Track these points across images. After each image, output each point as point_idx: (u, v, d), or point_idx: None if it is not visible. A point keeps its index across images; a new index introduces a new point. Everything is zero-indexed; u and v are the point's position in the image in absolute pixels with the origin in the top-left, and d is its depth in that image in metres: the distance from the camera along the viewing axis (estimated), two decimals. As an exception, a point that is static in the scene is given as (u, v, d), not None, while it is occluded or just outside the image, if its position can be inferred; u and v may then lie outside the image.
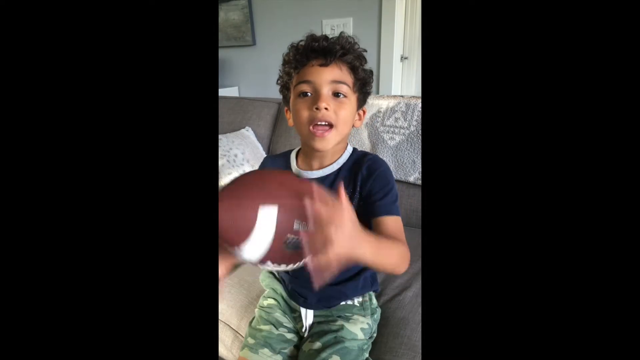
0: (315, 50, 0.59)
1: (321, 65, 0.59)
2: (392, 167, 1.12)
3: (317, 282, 0.41)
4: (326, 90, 0.59)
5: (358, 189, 0.63)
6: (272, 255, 0.48)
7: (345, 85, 0.59)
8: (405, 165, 1.10)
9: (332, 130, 0.59)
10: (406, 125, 1.11)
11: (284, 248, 0.48)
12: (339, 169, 0.65)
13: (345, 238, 0.39)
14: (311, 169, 0.67)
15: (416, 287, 0.82)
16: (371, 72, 0.65)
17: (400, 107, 1.13)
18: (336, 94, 0.59)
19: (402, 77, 2.00)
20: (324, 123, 0.59)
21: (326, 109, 0.58)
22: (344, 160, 0.66)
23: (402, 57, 1.94)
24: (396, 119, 1.13)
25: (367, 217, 0.63)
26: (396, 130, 1.13)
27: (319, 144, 0.60)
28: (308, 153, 0.67)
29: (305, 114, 0.59)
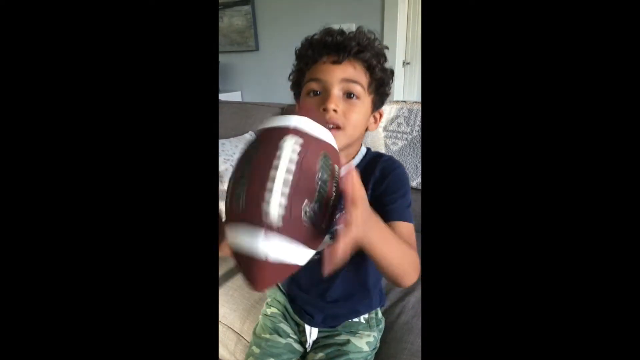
0: (328, 46, 0.54)
1: (333, 62, 0.54)
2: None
3: (329, 268, 0.36)
4: (337, 90, 0.53)
5: (370, 191, 0.58)
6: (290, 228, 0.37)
7: (358, 86, 0.54)
8: (408, 170, 1.11)
9: (340, 131, 0.54)
10: (409, 130, 1.12)
11: (304, 218, 0.38)
12: None
13: (361, 219, 0.36)
14: None
15: (419, 292, 0.82)
16: (391, 72, 0.60)
17: (403, 113, 1.13)
18: (348, 95, 0.54)
19: (404, 83, 2.01)
20: (331, 126, 0.53)
21: (335, 110, 0.53)
22: (357, 162, 0.62)
23: (404, 63, 1.95)
24: (399, 124, 1.14)
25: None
26: (399, 136, 1.13)
27: None
28: None
29: None
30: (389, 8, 1.73)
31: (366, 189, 0.57)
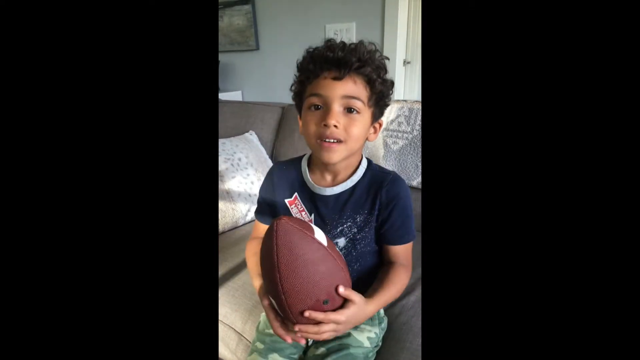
0: (329, 61, 0.56)
1: (334, 78, 0.55)
2: (395, 171, 1.13)
3: (295, 339, 0.55)
4: (337, 106, 0.56)
5: (375, 212, 0.62)
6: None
7: (358, 101, 0.56)
8: (409, 169, 1.11)
9: (341, 144, 0.57)
10: (409, 129, 1.11)
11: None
12: (354, 187, 0.64)
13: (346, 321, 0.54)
14: (325, 182, 0.65)
15: (419, 292, 0.82)
16: (392, 83, 0.61)
17: (404, 112, 1.13)
18: (349, 109, 0.56)
19: (404, 82, 2.01)
20: (332, 140, 0.56)
21: (335, 126, 0.55)
22: (359, 177, 0.64)
23: (404, 62, 1.95)
24: (399, 124, 1.13)
25: (380, 241, 0.65)
26: (399, 135, 1.13)
27: (326, 155, 0.58)
28: (319, 164, 0.65)
29: (313, 128, 0.57)
30: (390, 7, 1.73)
31: (372, 209, 0.63)
